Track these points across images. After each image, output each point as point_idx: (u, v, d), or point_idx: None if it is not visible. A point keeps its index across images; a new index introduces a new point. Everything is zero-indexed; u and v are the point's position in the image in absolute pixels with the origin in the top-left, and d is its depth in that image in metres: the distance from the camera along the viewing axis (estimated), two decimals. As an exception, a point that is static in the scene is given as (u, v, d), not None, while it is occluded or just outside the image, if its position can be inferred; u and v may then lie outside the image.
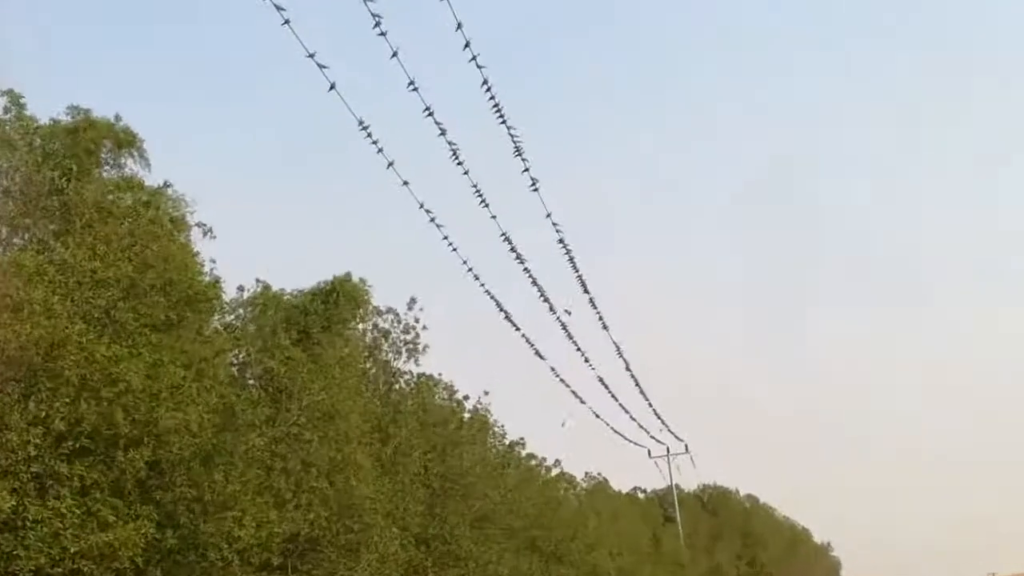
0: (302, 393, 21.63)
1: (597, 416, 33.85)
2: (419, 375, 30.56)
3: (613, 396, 30.24)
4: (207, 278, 20.82)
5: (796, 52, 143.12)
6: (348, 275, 26.26)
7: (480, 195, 15.00)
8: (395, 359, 29.82)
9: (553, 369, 26.26)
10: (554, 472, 42.42)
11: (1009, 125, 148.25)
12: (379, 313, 29.17)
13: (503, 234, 16.74)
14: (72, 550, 15.62)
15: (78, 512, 15.86)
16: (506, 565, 30.29)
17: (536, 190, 15.18)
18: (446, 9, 10.73)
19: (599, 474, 54.50)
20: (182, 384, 17.89)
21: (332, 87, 11.09)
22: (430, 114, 12.26)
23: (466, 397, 33.18)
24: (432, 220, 15.48)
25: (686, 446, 61.95)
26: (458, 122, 12.83)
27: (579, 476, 49.86)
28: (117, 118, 19.94)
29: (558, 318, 21.15)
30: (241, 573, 18.91)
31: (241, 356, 22.81)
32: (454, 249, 16.75)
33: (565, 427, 37.69)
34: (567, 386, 28.22)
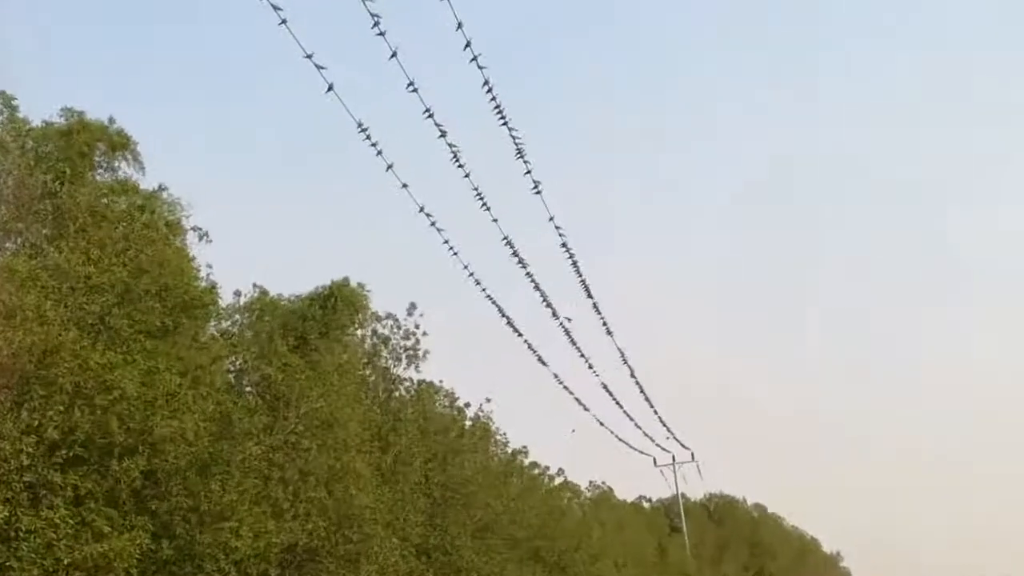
0: (300, 401, 21.65)
1: (601, 424, 33.81)
2: (419, 382, 30.60)
3: (618, 403, 30.23)
4: (203, 283, 20.90)
5: (796, 52, 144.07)
6: (346, 280, 26.33)
7: (481, 198, 15.05)
8: (395, 366, 29.85)
9: (556, 376, 26.26)
10: (557, 481, 42.46)
11: (1009, 125, 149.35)
12: (378, 319, 29.21)
13: (505, 238, 16.75)
14: (66, 561, 15.61)
15: (72, 522, 15.85)
16: (508, 576, 30.30)
17: (539, 192, 15.22)
18: (446, 9, 10.79)
19: (603, 483, 54.57)
20: (178, 392, 17.92)
21: (330, 88, 11.17)
22: (430, 115, 12.32)
23: (467, 404, 33.25)
24: (432, 224, 15.51)
25: (692, 454, 62.07)
26: (459, 124, 12.89)
27: (583, 485, 49.99)
28: (111, 120, 20.10)
29: (561, 324, 21.15)
30: (238, 585, 18.91)
31: (238, 363, 22.85)
32: (455, 253, 16.79)
33: (574, 434, 37.71)
34: (570, 393, 28.22)
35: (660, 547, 55.70)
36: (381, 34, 10.71)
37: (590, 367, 25.00)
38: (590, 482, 52.40)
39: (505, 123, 12.99)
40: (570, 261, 18.77)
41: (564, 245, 18.17)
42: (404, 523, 25.10)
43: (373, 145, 12.79)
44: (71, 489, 16.18)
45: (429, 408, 30.58)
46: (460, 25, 11.05)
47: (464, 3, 10.87)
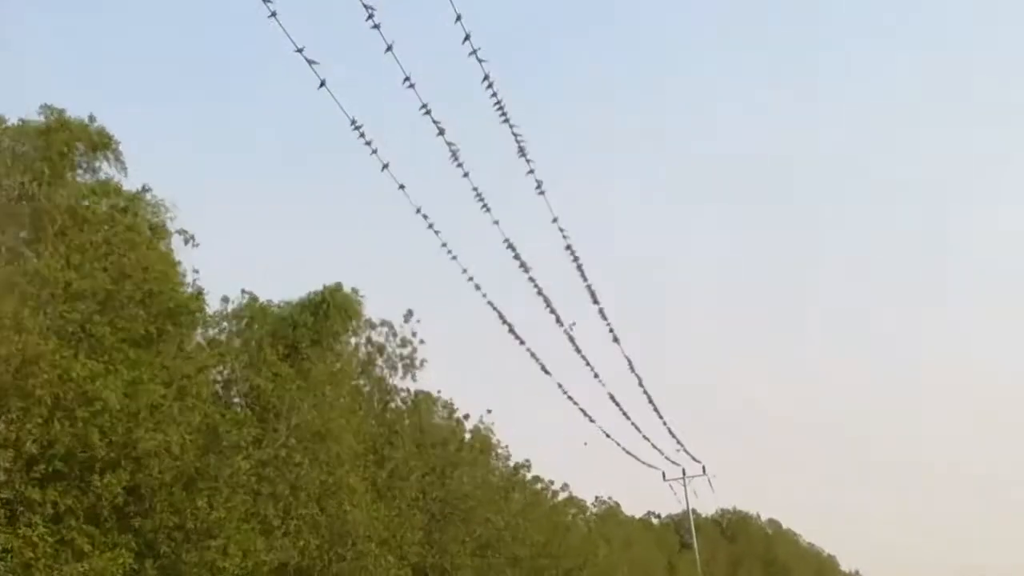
0: (291, 412, 21.62)
1: (608, 436, 33.70)
2: (416, 392, 30.59)
3: (625, 414, 30.13)
4: (189, 289, 20.86)
5: (796, 52, 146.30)
6: (339, 285, 26.29)
7: (481, 199, 14.98)
8: (390, 375, 29.86)
9: (560, 385, 26.14)
10: (562, 496, 42.40)
11: (1009, 125, 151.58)
12: (373, 326, 29.21)
13: (506, 240, 16.70)
14: (45, 582, 15.58)
15: (51, 541, 15.80)
16: (510, 596, 30.25)
17: (542, 193, 15.16)
18: (444, 1, 10.71)
19: (610, 498, 54.56)
20: (163, 403, 17.88)
21: (322, 84, 11.08)
22: (427, 112, 12.25)
23: (467, 416, 33.22)
24: (430, 226, 15.44)
25: (703, 468, 61.86)
26: (457, 121, 12.81)
27: (589, 500, 49.98)
28: (91, 119, 20.00)
29: (565, 330, 21.07)
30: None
31: (226, 373, 22.79)
32: (454, 257, 16.73)
33: (584, 447, 37.65)
34: (575, 404, 28.11)
35: (670, 565, 55.68)
36: (376, 27, 10.62)
37: (596, 376, 24.92)
38: (596, 497, 52.48)
39: (506, 120, 12.89)
40: (574, 264, 18.72)
41: (568, 248, 18.12)
42: (400, 540, 25.06)
43: (368, 143, 12.72)
44: (50, 506, 16.11)
45: (426, 420, 30.55)
46: (459, 18, 10.97)
47: (464, 3, 10.82)
